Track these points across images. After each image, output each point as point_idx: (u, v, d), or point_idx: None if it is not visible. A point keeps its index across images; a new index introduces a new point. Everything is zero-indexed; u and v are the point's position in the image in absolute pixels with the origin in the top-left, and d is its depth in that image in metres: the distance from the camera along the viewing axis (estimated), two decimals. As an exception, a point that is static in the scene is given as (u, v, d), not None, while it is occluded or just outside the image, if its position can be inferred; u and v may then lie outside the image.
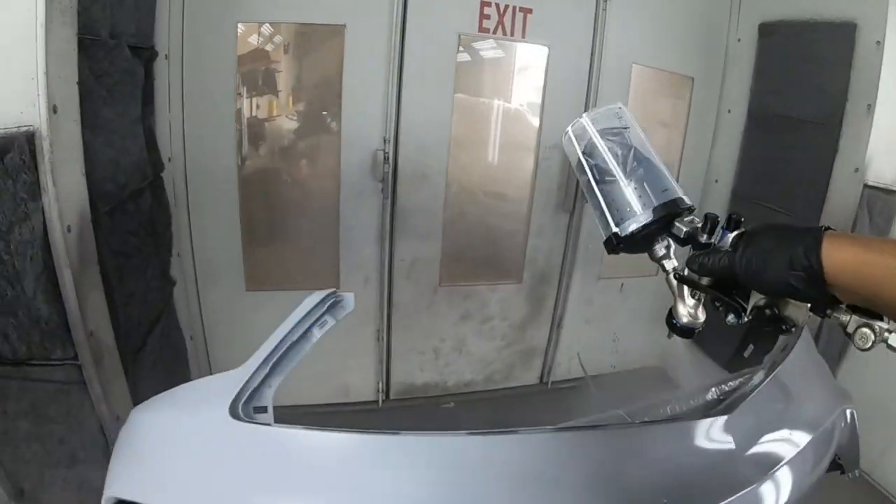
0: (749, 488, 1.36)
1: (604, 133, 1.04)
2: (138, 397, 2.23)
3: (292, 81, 3.03)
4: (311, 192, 3.21)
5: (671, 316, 1.04)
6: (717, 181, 3.84)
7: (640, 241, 1.01)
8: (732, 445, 1.45)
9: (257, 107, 2.99)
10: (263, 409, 1.35)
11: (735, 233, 0.88)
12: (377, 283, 3.35)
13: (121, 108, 2.35)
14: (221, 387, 1.36)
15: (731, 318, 0.92)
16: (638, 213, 0.99)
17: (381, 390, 3.59)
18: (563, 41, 3.25)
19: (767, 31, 3.38)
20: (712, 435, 1.47)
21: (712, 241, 0.91)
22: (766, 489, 1.41)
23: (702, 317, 1.00)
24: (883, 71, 2.81)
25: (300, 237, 3.24)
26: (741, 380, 1.78)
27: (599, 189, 1.03)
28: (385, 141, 3.05)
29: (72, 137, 1.93)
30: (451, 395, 3.81)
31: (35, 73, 1.71)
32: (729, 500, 1.32)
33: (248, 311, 3.14)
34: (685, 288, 0.99)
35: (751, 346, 2.47)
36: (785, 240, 0.78)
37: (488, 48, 3.26)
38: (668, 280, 1.02)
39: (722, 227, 0.90)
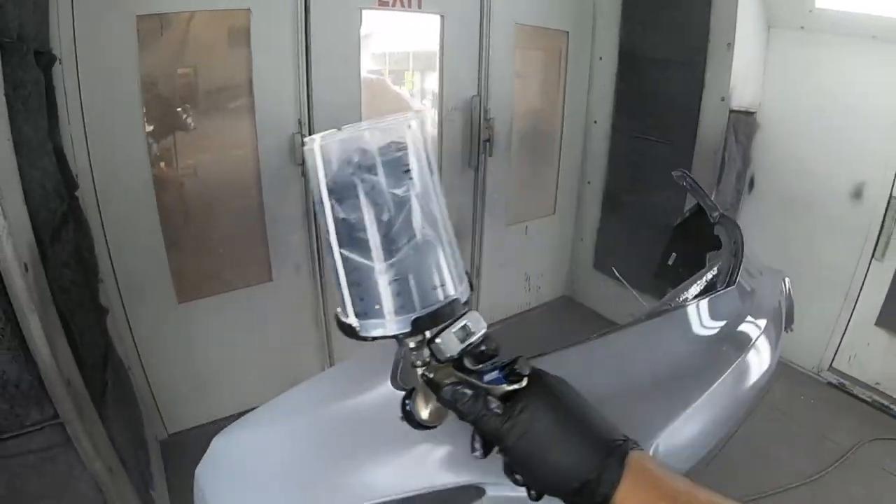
0: (737, 361, 1.67)
1: (375, 166, 0.69)
2: (116, 444, 2.06)
3: (201, 73, 2.79)
4: (232, 187, 3.00)
5: (406, 403, 0.80)
6: (595, 122, 4.27)
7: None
8: (741, 303, 1.84)
9: (166, 106, 2.72)
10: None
11: (509, 388, 0.69)
12: (309, 269, 3.27)
13: (34, 122, 2.00)
14: (363, 371, 1.30)
15: (477, 452, 0.73)
16: (388, 317, 0.71)
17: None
18: (454, 8, 3.36)
19: (631, -16, 3.80)
20: (716, 310, 1.81)
21: (480, 369, 0.73)
22: (751, 360, 1.74)
23: (444, 420, 0.79)
24: (738, 13, 3.32)
25: (226, 237, 3.03)
26: (707, 277, 2.12)
27: (342, 255, 0.71)
28: (300, 123, 2.96)
29: (8, 161, 1.65)
30: (398, 361, 3.89)
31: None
32: (727, 372, 1.60)
33: (183, 325, 2.92)
34: (429, 387, 0.76)
35: (674, 254, 2.85)
36: (574, 449, 0.63)
37: (388, 21, 3.30)
38: (411, 367, 0.77)
39: (495, 365, 0.72)
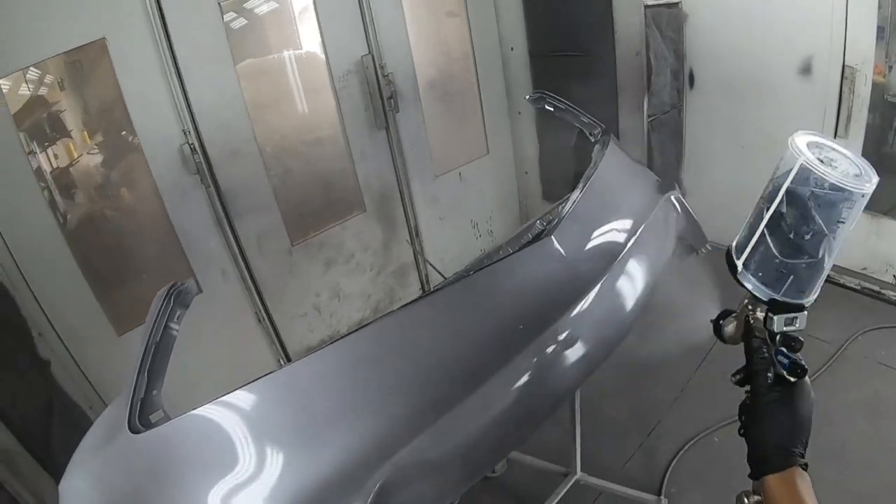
0: (602, 281, 1.57)
1: (821, 190, 0.85)
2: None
3: (77, 115, 2.77)
4: (137, 212, 3.01)
5: (720, 317, 1.10)
6: (512, 49, 4.02)
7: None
8: (564, 254, 1.61)
9: (54, 156, 2.71)
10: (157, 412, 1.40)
11: (787, 375, 0.90)
12: (234, 270, 3.28)
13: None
14: (114, 415, 1.42)
15: (734, 379, 1.01)
16: (760, 283, 0.94)
17: (282, 364, 3.57)
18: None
19: None
20: (543, 255, 1.62)
21: (781, 350, 0.92)
22: (621, 277, 1.64)
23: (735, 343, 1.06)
24: None
25: (145, 261, 3.05)
26: (561, 203, 2.00)
27: (766, 230, 0.91)
28: (185, 133, 2.91)
29: None
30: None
31: None
32: (586, 297, 1.53)
33: (127, 356, 2.99)
34: (744, 327, 1.02)
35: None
36: (770, 436, 0.90)
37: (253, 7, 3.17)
38: (743, 308, 1.03)
39: (787, 357, 0.91)
